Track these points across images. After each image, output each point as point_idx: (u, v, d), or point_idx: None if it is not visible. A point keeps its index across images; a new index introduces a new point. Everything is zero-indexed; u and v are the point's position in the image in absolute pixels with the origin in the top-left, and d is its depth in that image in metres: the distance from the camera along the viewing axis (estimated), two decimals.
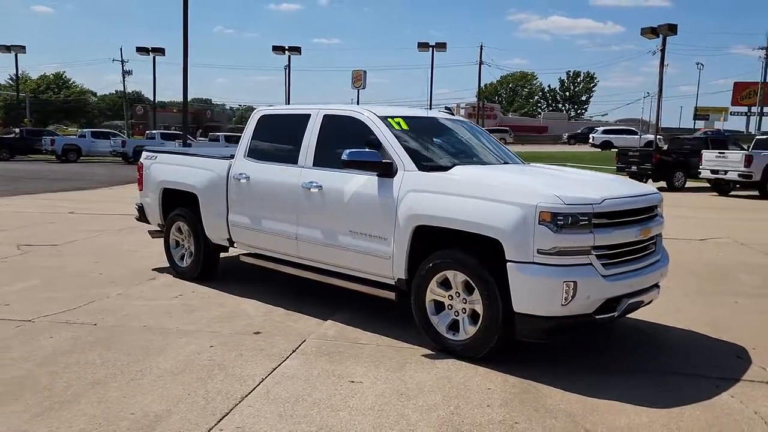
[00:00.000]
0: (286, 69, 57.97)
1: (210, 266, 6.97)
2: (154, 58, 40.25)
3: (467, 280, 4.60)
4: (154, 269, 7.52)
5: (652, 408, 3.89)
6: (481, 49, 58.16)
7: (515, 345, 4.60)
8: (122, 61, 61.06)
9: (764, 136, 22.84)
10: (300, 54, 42.29)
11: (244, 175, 6.20)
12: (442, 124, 6.08)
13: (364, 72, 73.96)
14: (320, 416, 3.70)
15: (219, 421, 3.61)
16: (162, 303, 6.10)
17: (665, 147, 27.49)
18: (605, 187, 4.80)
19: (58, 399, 3.89)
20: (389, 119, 5.46)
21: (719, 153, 20.85)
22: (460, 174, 4.89)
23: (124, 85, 64.23)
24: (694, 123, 64.74)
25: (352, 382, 4.22)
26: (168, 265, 7.47)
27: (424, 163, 5.10)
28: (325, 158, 5.64)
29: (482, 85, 65.10)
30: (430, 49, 47.99)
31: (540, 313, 4.28)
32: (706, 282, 7.37)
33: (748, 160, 19.75)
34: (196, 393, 4.00)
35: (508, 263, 4.32)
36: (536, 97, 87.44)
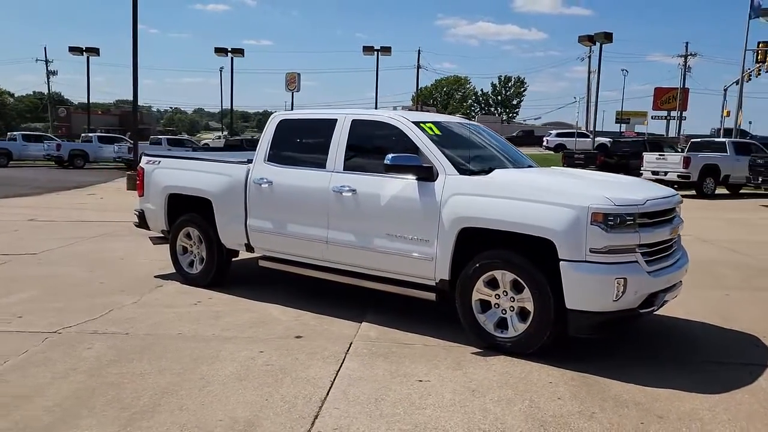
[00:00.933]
0: (221, 70, 57.03)
1: (222, 272, 6.89)
2: (88, 58, 38.67)
3: (516, 279, 4.78)
4: (156, 276, 7.36)
5: (705, 394, 4.19)
6: (419, 53, 59.19)
7: (561, 340, 4.82)
8: (46, 61, 58.45)
9: (699, 140, 24.29)
10: (243, 56, 41.71)
11: (265, 180, 6.17)
12: (465, 128, 6.25)
13: (298, 74, 73.20)
14: (408, 414, 3.79)
15: (313, 424, 3.65)
16: (184, 310, 6.00)
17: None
18: (640, 189, 5.10)
19: (135, 409, 3.82)
20: (422, 124, 5.59)
21: (659, 155, 22.05)
22: (502, 177, 5.08)
23: (48, 87, 61.63)
24: (620, 126, 67.62)
25: (420, 381, 4.33)
26: (170, 272, 7.36)
27: (462, 167, 5.26)
28: (356, 163, 5.71)
29: (415, 88, 66.02)
30: (376, 53, 48.34)
31: (592, 309, 4.51)
32: (693, 277, 7.83)
33: (686, 162, 20.98)
34: (273, 397, 4.01)
35: (561, 262, 4.53)
36: (470, 101, 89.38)
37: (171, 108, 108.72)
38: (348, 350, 4.92)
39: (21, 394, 4.02)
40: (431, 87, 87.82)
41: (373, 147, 5.77)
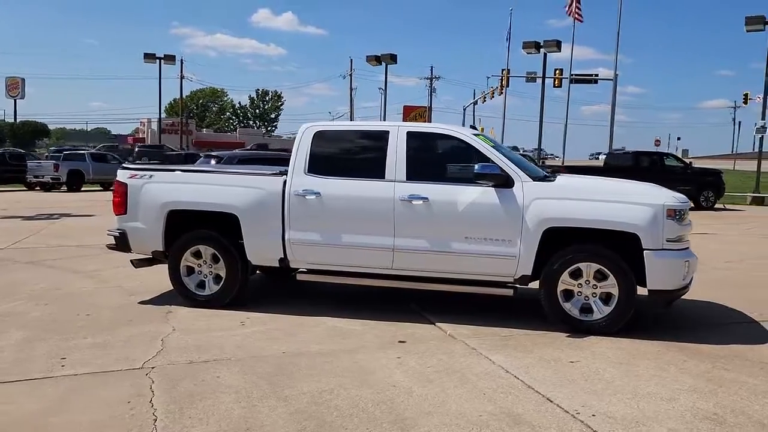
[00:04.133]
0: None
1: (244, 290, 6.54)
2: None
3: (601, 269, 5.58)
4: (141, 303, 6.65)
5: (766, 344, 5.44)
6: (182, 62, 56.63)
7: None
8: None
9: None
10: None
11: (311, 191, 6.09)
12: (494, 140, 6.85)
13: (22, 80, 65.52)
14: (611, 387, 4.34)
15: (560, 407, 4.01)
16: (244, 332, 5.66)
17: None
18: (673, 191, 6.27)
19: (389, 419, 3.79)
20: (479, 136, 6.11)
21: None
22: (570, 183, 5.87)
23: None
24: None
25: (571, 362, 4.88)
26: (151, 296, 6.89)
27: (530, 174, 5.90)
28: (419, 172, 5.98)
29: (164, 100, 63.49)
30: (158, 61, 45.25)
31: (668, 288, 5.52)
32: None
33: None
34: (486, 392, 4.24)
35: (645, 251, 5.45)
36: (228, 114, 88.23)
37: None
38: (472, 347, 5.24)
39: (244, 428, 3.69)
40: (186, 98, 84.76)
41: (436, 157, 6.14)
